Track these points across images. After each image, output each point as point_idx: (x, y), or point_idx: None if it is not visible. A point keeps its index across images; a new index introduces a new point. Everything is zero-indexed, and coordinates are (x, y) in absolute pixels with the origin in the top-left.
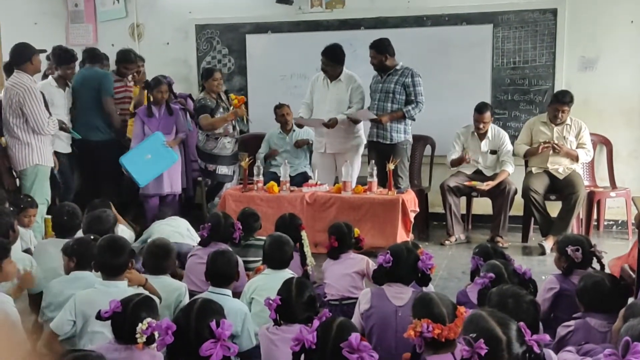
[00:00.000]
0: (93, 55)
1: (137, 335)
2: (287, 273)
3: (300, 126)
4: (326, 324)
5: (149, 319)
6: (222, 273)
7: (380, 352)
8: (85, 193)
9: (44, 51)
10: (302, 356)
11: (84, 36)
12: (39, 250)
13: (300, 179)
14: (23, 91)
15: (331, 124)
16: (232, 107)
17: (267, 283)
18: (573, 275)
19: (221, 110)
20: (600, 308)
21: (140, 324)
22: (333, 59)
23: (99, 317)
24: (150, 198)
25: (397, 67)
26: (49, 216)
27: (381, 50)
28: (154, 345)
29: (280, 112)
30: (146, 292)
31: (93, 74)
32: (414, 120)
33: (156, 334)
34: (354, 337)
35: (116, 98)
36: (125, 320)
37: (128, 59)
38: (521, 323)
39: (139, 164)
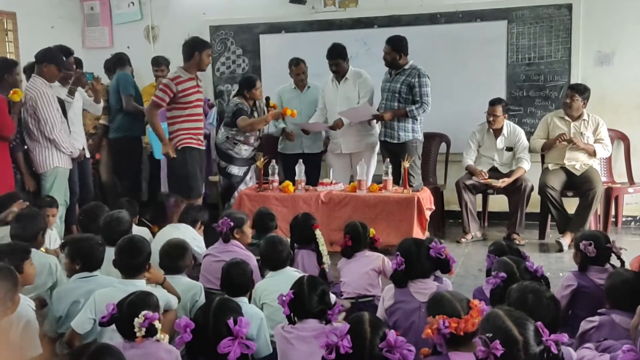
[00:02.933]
0: (119, 60)
1: (136, 330)
2: (290, 272)
3: (306, 132)
4: (357, 326)
5: (144, 312)
6: (237, 284)
7: None
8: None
9: (58, 61)
10: None
11: (99, 39)
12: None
13: (315, 174)
14: (36, 94)
15: (336, 125)
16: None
17: (271, 285)
18: (591, 272)
19: (255, 116)
20: (627, 306)
21: (137, 319)
22: (337, 56)
23: (101, 323)
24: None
25: (406, 67)
26: None
27: (397, 48)
28: (163, 337)
29: (297, 71)
30: (164, 291)
31: (116, 77)
32: (416, 119)
33: (156, 324)
34: (391, 334)
35: (188, 102)
36: (123, 320)
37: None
38: (539, 323)
39: None
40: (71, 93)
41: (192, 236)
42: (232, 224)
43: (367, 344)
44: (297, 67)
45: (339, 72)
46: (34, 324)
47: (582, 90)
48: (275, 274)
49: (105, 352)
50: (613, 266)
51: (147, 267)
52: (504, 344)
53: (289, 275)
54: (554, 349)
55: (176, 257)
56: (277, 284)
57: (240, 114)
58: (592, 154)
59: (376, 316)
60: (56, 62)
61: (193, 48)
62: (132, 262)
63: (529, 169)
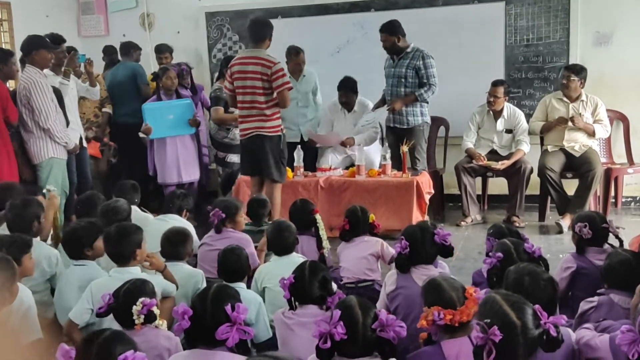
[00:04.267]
0: (123, 48)
1: (134, 317)
2: (294, 257)
3: (313, 143)
4: (348, 311)
5: (142, 299)
6: (233, 270)
7: None
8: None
9: (55, 47)
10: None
11: (95, 27)
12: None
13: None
14: (30, 84)
15: (348, 142)
16: None
17: (274, 269)
18: (589, 253)
19: None
20: (624, 286)
21: (134, 306)
22: (352, 89)
23: (98, 314)
24: (169, 187)
25: (408, 50)
26: None
27: (393, 32)
28: (162, 324)
29: (297, 60)
30: (160, 277)
31: (127, 66)
32: (427, 102)
33: (155, 310)
34: (382, 314)
35: None
36: (121, 308)
37: None
38: (537, 306)
39: (159, 118)
40: (66, 76)
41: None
42: (223, 215)
43: (360, 328)
44: (297, 56)
45: (348, 105)
46: (33, 309)
47: (578, 71)
48: (280, 259)
49: (116, 340)
50: (612, 246)
51: (134, 255)
52: (502, 329)
53: (293, 260)
54: (552, 332)
55: (177, 244)
56: (280, 269)
57: (216, 103)
58: (592, 134)
59: (364, 299)
60: (44, 46)
61: (269, 29)
62: (117, 249)
63: (528, 151)
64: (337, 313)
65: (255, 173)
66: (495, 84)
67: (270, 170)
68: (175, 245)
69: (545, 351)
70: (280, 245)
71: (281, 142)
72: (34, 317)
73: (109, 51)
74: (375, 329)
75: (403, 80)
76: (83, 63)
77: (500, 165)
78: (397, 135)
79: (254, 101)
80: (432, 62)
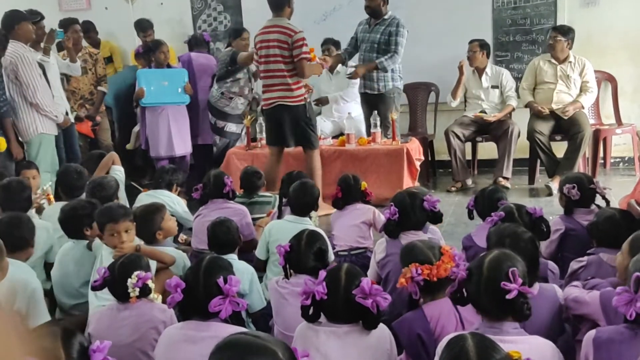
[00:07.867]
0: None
1: (130, 290)
2: (307, 224)
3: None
4: (333, 273)
5: (137, 272)
6: (223, 242)
7: (395, 298)
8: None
9: (35, 17)
10: (312, 309)
11: (76, 1)
12: (50, 215)
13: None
14: (16, 59)
15: (355, 73)
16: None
17: (286, 231)
18: (577, 214)
19: (244, 70)
20: (612, 243)
21: (129, 279)
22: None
23: (93, 288)
24: (162, 160)
25: (386, 17)
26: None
27: None
28: (157, 297)
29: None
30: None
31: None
32: (386, 72)
33: (149, 283)
34: (365, 282)
35: None
36: (115, 282)
37: None
38: (512, 269)
39: (153, 84)
40: (46, 52)
41: (173, 201)
42: (232, 180)
43: (341, 290)
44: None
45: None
46: (39, 292)
47: (565, 31)
48: (295, 220)
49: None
50: (599, 207)
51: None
52: None
53: (306, 227)
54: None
55: (141, 226)
56: (292, 234)
57: (238, 53)
58: (582, 109)
59: (355, 266)
60: (24, 18)
61: None
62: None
63: (516, 105)
64: (323, 274)
65: (279, 142)
66: (471, 41)
67: (310, 139)
68: (139, 229)
69: None
70: (303, 203)
71: (307, 109)
72: (40, 299)
73: (86, 29)
74: (355, 295)
75: (376, 45)
76: (62, 39)
77: (492, 117)
78: (368, 102)
79: (276, 69)
80: (404, 32)
